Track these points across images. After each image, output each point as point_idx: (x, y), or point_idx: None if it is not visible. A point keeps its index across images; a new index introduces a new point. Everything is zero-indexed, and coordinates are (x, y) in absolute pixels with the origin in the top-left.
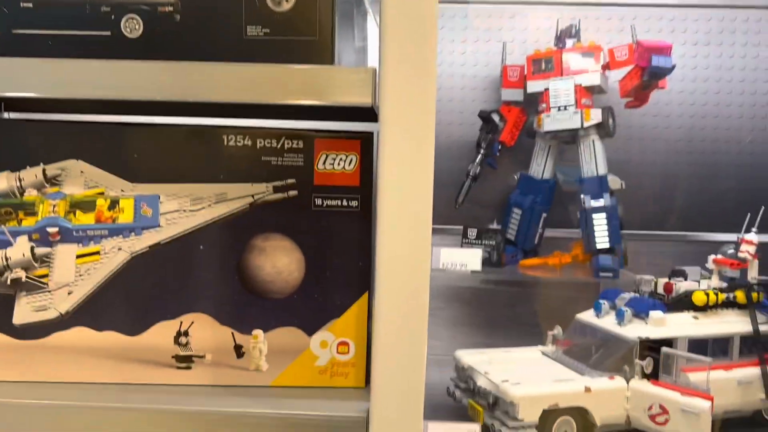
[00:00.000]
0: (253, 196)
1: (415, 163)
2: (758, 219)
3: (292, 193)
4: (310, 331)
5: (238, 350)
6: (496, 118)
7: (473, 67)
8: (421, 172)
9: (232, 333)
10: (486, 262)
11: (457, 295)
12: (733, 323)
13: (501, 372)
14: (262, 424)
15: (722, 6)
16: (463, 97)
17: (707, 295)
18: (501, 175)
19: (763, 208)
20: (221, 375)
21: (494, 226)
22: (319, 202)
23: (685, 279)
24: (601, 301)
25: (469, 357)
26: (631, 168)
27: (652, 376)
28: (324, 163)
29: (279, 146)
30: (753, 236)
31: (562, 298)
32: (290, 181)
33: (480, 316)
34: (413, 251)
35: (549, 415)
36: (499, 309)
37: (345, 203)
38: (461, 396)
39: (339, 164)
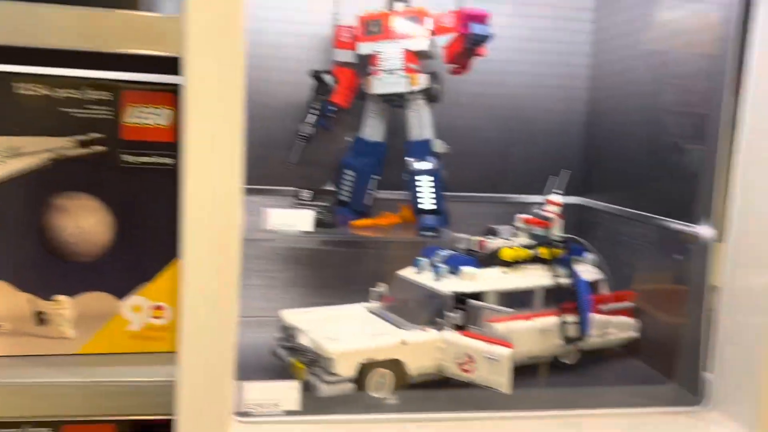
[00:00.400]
0: (53, 150)
1: (222, 119)
2: (557, 182)
3: (99, 148)
4: (121, 295)
5: (39, 317)
6: (327, 78)
7: (310, 26)
8: (229, 128)
9: (32, 299)
10: (319, 223)
11: (293, 257)
12: (537, 277)
13: (322, 330)
14: (66, 393)
15: None
16: (299, 56)
17: (514, 250)
18: (339, 137)
19: (563, 171)
20: (21, 344)
21: (329, 187)
22: (128, 158)
23: (498, 237)
24: (421, 259)
25: (293, 316)
26: (455, 133)
27: (465, 328)
28: (133, 116)
29: (81, 97)
30: (556, 197)
31: (392, 257)
32: (95, 135)
33: (316, 277)
34: (222, 212)
35: (365, 369)
36: (334, 269)
37: (158, 160)
38: (285, 355)
39: (150, 118)
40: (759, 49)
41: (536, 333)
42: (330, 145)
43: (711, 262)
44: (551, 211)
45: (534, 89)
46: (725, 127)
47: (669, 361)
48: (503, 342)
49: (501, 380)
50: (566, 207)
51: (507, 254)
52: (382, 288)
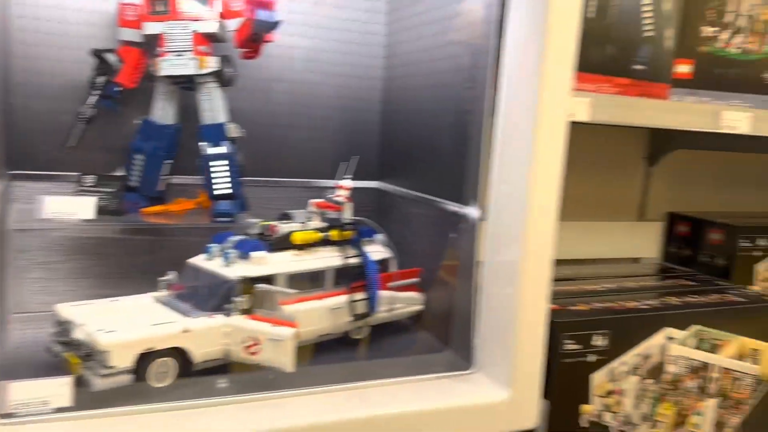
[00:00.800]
0: None
1: None
2: (348, 167)
3: None
4: None
5: None
6: (110, 58)
7: (94, 1)
8: None
9: None
10: (103, 210)
11: (80, 247)
12: (328, 258)
13: (100, 322)
14: None
15: None
16: (79, 32)
17: (305, 234)
18: (128, 120)
19: (353, 157)
20: None
21: (119, 173)
22: None
23: (293, 221)
24: (212, 245)
25: (69, 310)
26: (250, 117)
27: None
28: None
29: None
30: (346, 182)
31: (187, 244)
32: None
33: (104, 267)
34: None
35: (145, 359)
36: (124, 259)
37: None
38: (60, 351)
39: None
40: (510, 46)
41: (326, 312)
42: (122, 129)
43: (477, 239)
44: (342, 195)
45: (332, 77)
46: (487, 119)
47: (447, 330)
48: (287, 323)
49: (285, 360)
50: (365, 190)
51: (298, 238)
52: (170, 277)
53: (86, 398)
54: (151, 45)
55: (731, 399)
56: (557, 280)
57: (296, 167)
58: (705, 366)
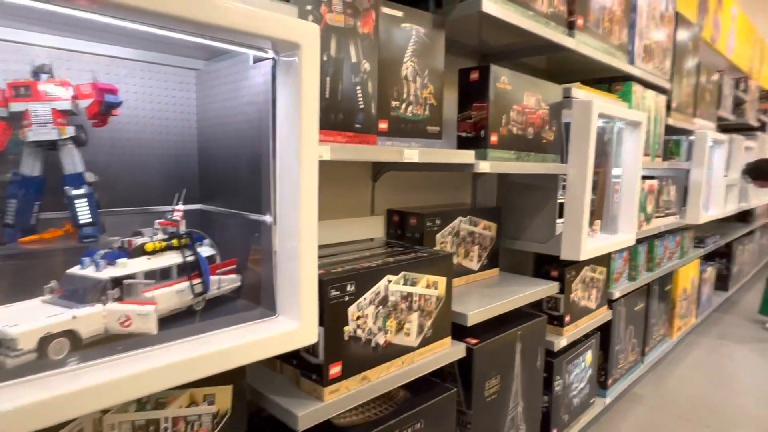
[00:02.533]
0: None
1: None
2: (182, 195)
3: None
4: None
5: None
6: None
7: None
8: None
9: None
10: None
11: None
12: (172, 258)
13: (4, 320)
14: None
15: (150, 62)
16: None
17: (154, 244)
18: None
19: (183, 189)
20: None
21: None
22: None
23: (144, 236)
24: (85, 258)
25: None
26: (102, 165)
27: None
28: None
29: None
30: (180, 206)
31: (63, 263)
32: None
33: None
34: None
35: (46, 341)
36: (9, 277)
37: None
38: None
39: None
40: (279, 114)
41: (175, 294)
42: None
43: (272, 236)
44: (177, 215)
45: (160, 135)
46: (271, 158)
47: (259, 295)
48: (149, 302)
49: (150, 326)
50: (194, 212)
51: (149, 247)
52: (53, 284)
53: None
54: (18, 119)
55: (425, 311)
56: (323, 256)
57: (141, 199)
58: (410, 294)
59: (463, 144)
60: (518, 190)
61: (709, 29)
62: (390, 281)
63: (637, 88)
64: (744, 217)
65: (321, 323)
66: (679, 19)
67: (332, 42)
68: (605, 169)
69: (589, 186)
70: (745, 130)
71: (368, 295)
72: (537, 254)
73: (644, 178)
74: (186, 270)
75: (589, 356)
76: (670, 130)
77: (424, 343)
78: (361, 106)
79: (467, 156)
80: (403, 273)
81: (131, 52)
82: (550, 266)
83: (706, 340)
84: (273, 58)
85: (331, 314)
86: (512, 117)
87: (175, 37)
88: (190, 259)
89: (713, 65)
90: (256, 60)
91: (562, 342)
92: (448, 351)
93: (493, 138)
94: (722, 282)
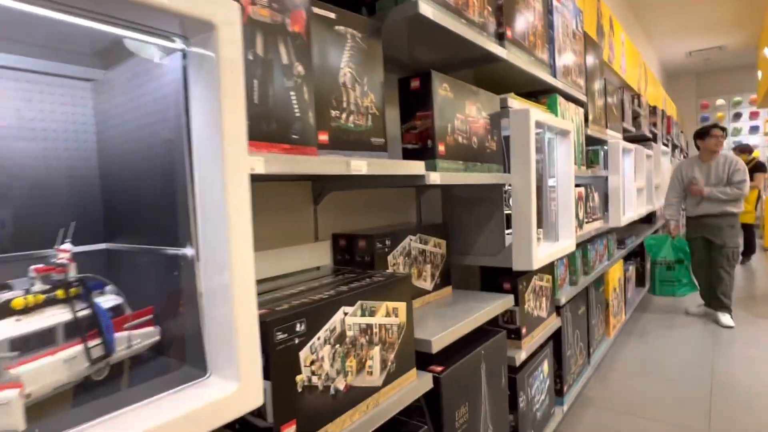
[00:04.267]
0: None
1: None
2: (69, 231)
3: None
4: None
5: None
6: None
7: None
8: None
9: None
10: None
11: None
12: (57, 315)
13: None
14: None
15: (34, 71)
16: None
17: (26, 299)
18: None
19: (72, 224)
20: None
21: None
22: None
23: (13, 290)
24: None
25: None
26: None
27: None
28: None
29: None
30: (67, 246)
31: None
32: None
33: None
34: None
35: None
36: None
37: None
38: None
39: None
40: (195, 120)
41: (60, 364)
42: None
43: (196, 273)
44: (64, 258)
45: (45, 160)
46: (188, 174)
47: (184, 350)
48: (12, 384)
49: (13, 421)
50: (96, 252)
51: (18, 303)
52: None
53: None
54: None
55: (387, 343)
56: (264, 292)
57: (23, 241)
58: (369, 326)
59: (409, 156)
60: (463, 204)
61: (606, 51)
62: (346, 313)
63: (561, 100)
64: (649, 218)
65: (266, 376)
66: (587, 39)
67: (258, 39)
68: (542, 178)
69: (534, 194)
70: (643, 140)
71: (322, 333)
72: (482, 268)
73: (577, 185)
74: (79, 329)
75: (546, 366)
76: (588, 140)
77: (389, 379)
78: (297, 115)
79: (417, 167)
80: (359, 302)
81: (9, 58)
82: (501, 279)
83: (636, 334)
84: (182, 50)
85: (279, 363)
86: (457, 126)
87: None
88: (84, 313)
89: (612, 83)
90: (164, 55)
91: (522, 355)
92: (414, 384)
93: (441, 148)
94: (640, 279)
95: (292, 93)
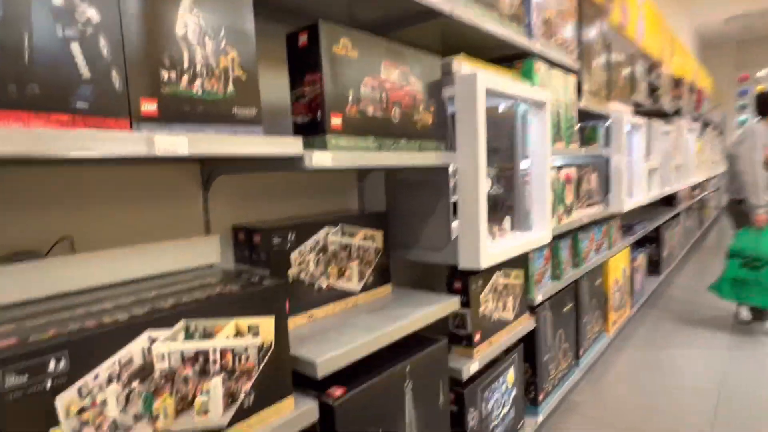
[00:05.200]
0: None
1: None
2: None
3: None
4: None
5: None
6: None
7: None
8: None
9: None
10: None
11: None
12: None
13: None
14: None
15: None
16: None
17: None
18: None
19: None
20: None
21: None
22: None
23: None
24: None
25: None
26: None
27: None
28: None
29: None
30: None
31: None
32: None
33: None
34: None
35: None
36: None
37: None
38: None
39: None
40: None
41: None
42: None
43: None
44: None
45: None
46: None
47: None
48: None
49: None
50: None
51: None
52: None
53: None
54: None
55: (237, 372)
56: (56, 310)
57: None
58: (201, 352)
59: (301, 133)
60: (407, 190)
61: (617, 16)
62: (154, 340)
63: (540, 66)
64: (669, 201)
65: None
66: None
67: None
68: (515, 159)
69: (483, 177)
70: (662, 116)
71: (104, 369)
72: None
73: (561, 167)
74: None
75: (511, 375)
76: (585, 115)
77: (242, 415)
78: (87, 76)
79: (289, 144)
80: (183, 323)
81: None
82: (452, 277)
83: (642, 332)
84: None
85: (15, 418)
86: (364, 93)
87: None
88: None
89: (623, 52)
90: None
91: (473, 366)
92: (290, 418)
93: (335, 120)
94: (654, 267)
95: (73, 44)
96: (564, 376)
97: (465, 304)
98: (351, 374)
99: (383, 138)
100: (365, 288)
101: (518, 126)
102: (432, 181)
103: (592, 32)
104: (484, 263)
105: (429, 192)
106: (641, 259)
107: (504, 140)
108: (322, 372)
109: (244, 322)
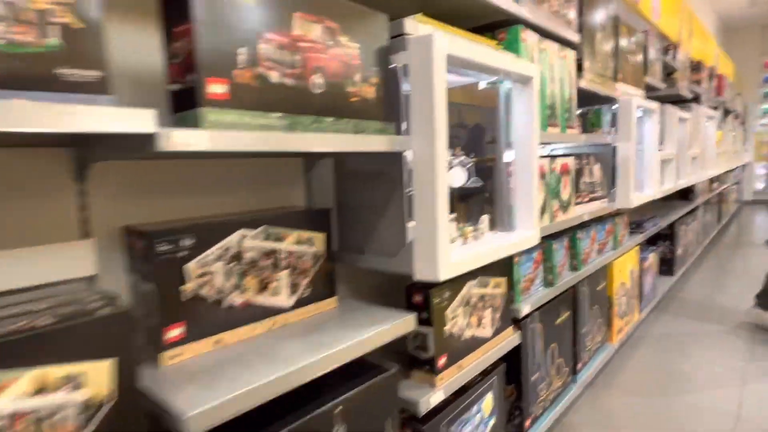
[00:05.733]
0: None
1: None
2: None
3: None
4: None
5: None
6: None
7: None
8: None
9: None
10: None
11: None
12: None
13: None
14: None
15: None
16: None
17: None
18: None
19: None
20: None
21: None
22: None
23: None
24: None
25: None
26: None
27: None
28: None
29: None
30: None
31: None
32: None
33: None
34: None
35: None
36: None
37: None
38: None
39: None
40: None
41: None
42: None
43: None
44: None
45: None
46: None
47: None
48: None
49: None
50: None
51: None
52: None
53: None
54: None
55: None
56: None
57: None
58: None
59: (178, 104)
60: (358, 181)
61: None
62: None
63: (528, 36)
64: (686, 194)
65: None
66: None
67: None
68: (497, 146)
69: (443, 166)
70: (679, 101)
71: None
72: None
73: (556, 156)
74: None
75: (488, 401)
76: (588, 98)
77: None
78: None
79: (130, 119)
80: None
81: None
82: (411, 288)
83: (651, 339)
84: None
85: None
86: (266, 53)
87: None
88: None
89: (635, 29)
90: None
91: (435, 397)
92: None
93: (216, 88)
94: (667, 266)
95: None
96: (558, 395)
97: (426, 321)
98: (253, 424)
99: (297, 115)
100: (300, 303)
101: (501, 107)
102: (385, 171)
103: (597, 4)
104: (444, 274)
105: (382, 185)
106: (652, 258)
107: (490, 126)
108: (196, 430)
109: (59, 370)
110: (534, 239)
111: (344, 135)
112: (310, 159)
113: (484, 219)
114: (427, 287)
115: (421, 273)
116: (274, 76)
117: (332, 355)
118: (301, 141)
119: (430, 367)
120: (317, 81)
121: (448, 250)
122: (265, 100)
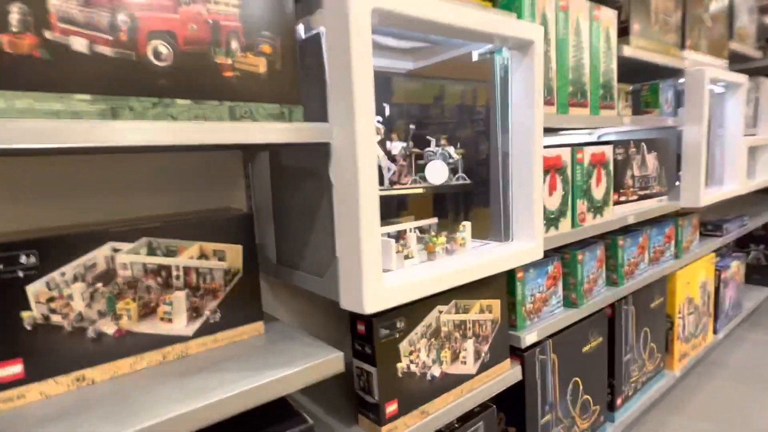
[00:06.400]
0: None
1: None
2: None
3: None
4: None
5: None
6: None
7: None
8: None
9: None
10: None
11: None
12: None
13: None
14: None
15: None
16: None
17: None
18: None
19: None
20: None
21: None
22: None
23: None
24: None
25: None
26: None
27: None
28: None
29: None
30: None
31: None
32: None
33: None
34: None
35: None
36: None
37: None
38: None
39: None
40: None
41: None
42: None
43: None
44: None
45: None
46: None
47: None
48: None
49: None
50: None
51: None
52: None
53: None
54: None
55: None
56: None
57: None
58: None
59: None
60: (291, 180)
61: None
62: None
63: None
64: None
65: None
66: None
67: None
68: (489, 134)
69: (370, 160)
70: None
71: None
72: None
73: (583, 144)
74: None
75: None
76: (638, 69)
77: None
78: None
79: None
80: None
81: None
82: (355, 315)
83: (729, 367)
84: None
85: None
86: (59, 12)
87: None
88: None
89: None
90: None
91: None
92: None
93: None
94: (761, 275)
95: None
96: None
97: (369, 358)
98: None
99: (124, 96)
100: (205, 330)
101: (496, 84)
102: (313, 168)
103: None
104: (373, 305)
105: (310, 186)
106: (736, 267)
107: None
108: None
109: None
110: (535, 252)
111: (212, 123)
112: (246, 152)
113: (466, 226)
114: (371, 315)
115: (346, 302)
116: (78, 44)
117: (211, 405)
118: (132, 132)
119: (374, 417)
120: (160, 50)
121: (377, 273)
122: (66, 77)
